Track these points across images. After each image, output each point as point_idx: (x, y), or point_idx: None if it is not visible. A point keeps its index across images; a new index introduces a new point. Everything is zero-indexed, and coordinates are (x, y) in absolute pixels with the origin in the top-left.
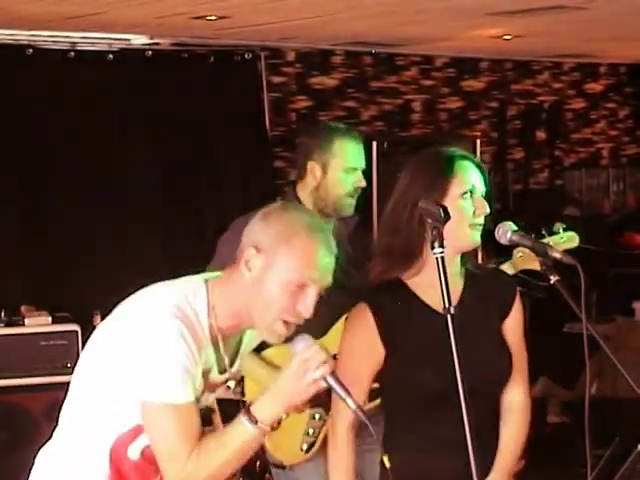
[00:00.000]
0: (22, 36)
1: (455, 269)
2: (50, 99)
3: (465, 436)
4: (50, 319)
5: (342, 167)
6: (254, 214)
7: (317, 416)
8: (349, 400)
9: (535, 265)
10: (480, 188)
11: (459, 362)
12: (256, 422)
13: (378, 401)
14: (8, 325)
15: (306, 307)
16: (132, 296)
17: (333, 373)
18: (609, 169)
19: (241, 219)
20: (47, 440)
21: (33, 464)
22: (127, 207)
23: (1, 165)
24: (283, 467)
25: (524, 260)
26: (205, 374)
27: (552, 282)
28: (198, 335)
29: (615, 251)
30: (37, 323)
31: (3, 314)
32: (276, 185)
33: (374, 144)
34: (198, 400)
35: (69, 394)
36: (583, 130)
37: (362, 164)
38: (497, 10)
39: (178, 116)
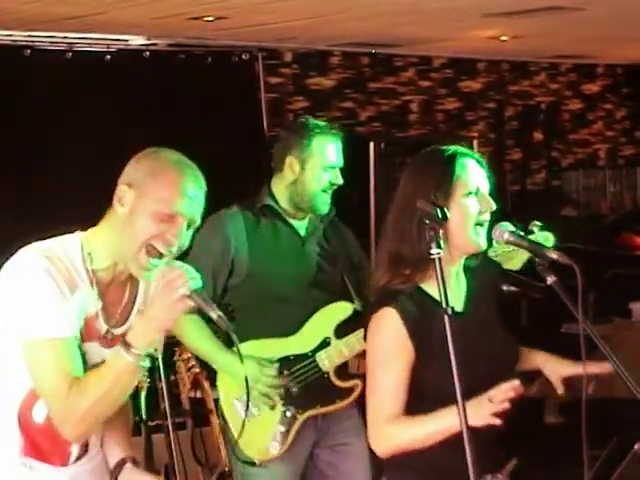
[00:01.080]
0: (20, 37)
1: (461, 268)
2: (48, 100)
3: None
4: None
5: (320, 165)
6: (228, 210)
7: (288, 413)
8: (212, 313)
9: (513, 264)
10: (484, 185)
11: (465, 360)
12: (130, 348)
13: (352, 398)
14: None
15: (175, 235)
16: None
17: (197, 291)
18: (606, 170)
19: (214, 215)
20: None
21: None
22: None
23: (0, 166)
24: (253, 464)
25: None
26: (88, 321)
27: (549, 283)
28: (70, 276)
29: (612, 252)
30: None
31: None
32: None
33: (371, 145)
34: (80, 344)
35: None
36: (580, 131)
37: (340, 162)
38: (494, 11)
39: (175, 117)
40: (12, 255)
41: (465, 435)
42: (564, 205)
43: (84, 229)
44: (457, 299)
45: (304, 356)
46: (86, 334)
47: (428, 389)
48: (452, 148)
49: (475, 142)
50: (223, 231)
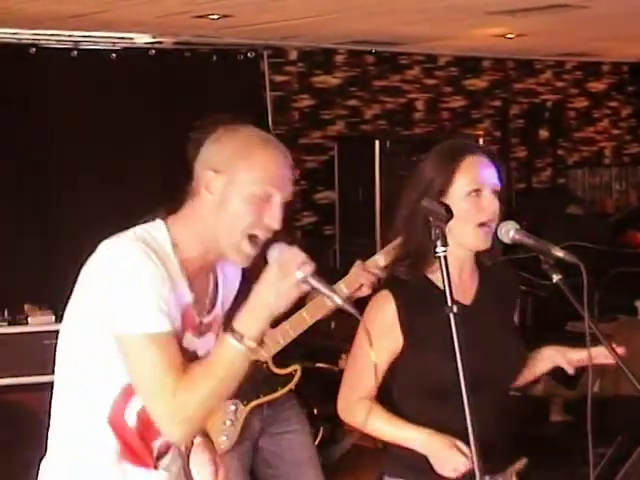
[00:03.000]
0: (25, 35)
1: (470, 265)
2: (53, 98)
3: (474, 427)
4: (53, 318)
5: None
6: None
7: (233, 407)
8: (335, 297)
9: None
10: (490, 183)
11: (473, 356)
12: (242, 338)
13: (292, 383)
14: (11, 324)
15: (274, 217)
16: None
17: (315, 273)
18: (612, 168)
19: None
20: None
21: (35, 464)
22: (130, 206)
23: (3, 163)
24: None
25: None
26: (185, 312)
27: (555, 281)
28: (168, 263)
29: (618, 250)
30: (40, 322)
31: (6, 313)
32: None
33: (377, 143)
34: (179, 338)
35: (55, 390)
36: (586, 129)
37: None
38: (499, 9)
39: (180, 115)
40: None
41: (470, 435)
42: (569, 203)
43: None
44: (465, 292)
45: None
46: (184, 325)
47: (429, 382)
48: (458, 145)
49: (480, 140)
50: None
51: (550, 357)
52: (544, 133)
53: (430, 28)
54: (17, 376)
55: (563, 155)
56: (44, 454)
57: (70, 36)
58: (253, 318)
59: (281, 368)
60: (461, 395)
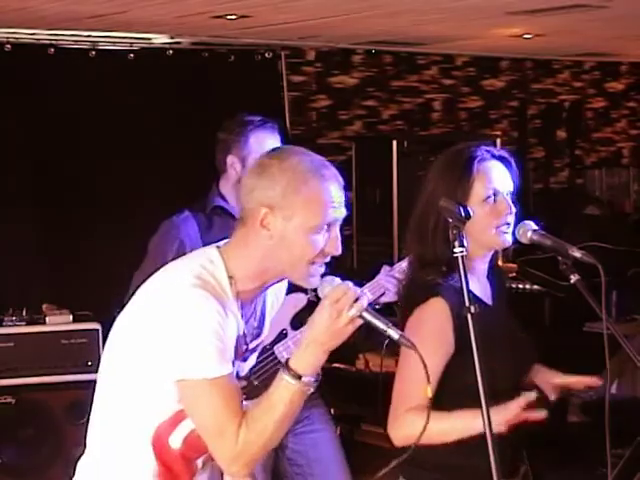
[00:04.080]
0: (43, 35)
1: (487, 265)
2: (71, 98)
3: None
4: (71, 317)
5: None
6: (180, 215)
7: None
8: (391, 331)
9: None
10: (505, 187)
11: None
12: (299, 377)
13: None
14: (30, 323)
15: (335, 247)
16: (147, 280)
17: (367, 308)
18: (630, 168)
19: (166, 222)
20: (71, 442)
21: (54, 461)
22: (147, 206)
23: (21, 163)
24: None
25: None
26: (237, 342)
27: (573, 281)
28: (224, 301)
29: (636, 250)
30: (58, 321)
31: (25, 313)
32: None
33: (394, 143)
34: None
35: (96, 396)
36: (604, 129)
37: None
38: (517, 9)
39: (198, 115)
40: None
41: (488, 435)
42: (587, 204)
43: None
44: (486, 293)
45: (263, 349)
46: (235, 355)
47: (469, 384)
48: (474, 149)
49: (498, 140)
50: (178, 236)
51: (534, 376)
52: (562, 133)
53: (448, 28)
54: (35, 375)
55: (581, 155)
56: (71, 451)
57: (88, 36)
58: (308, 356)
59: None
60: (498, 397)
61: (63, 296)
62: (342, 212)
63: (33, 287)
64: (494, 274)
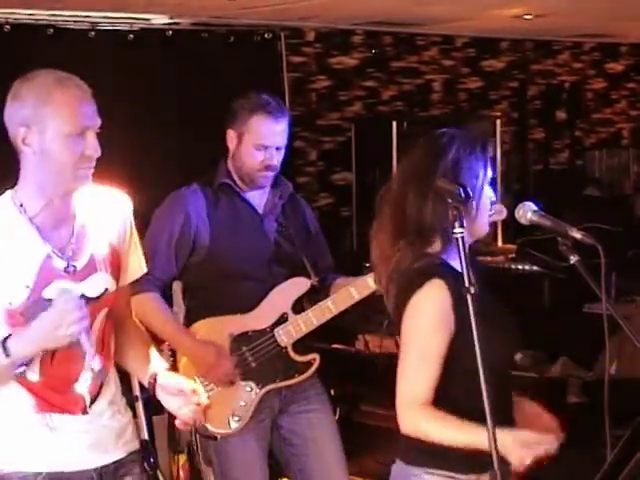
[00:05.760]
0: (42, 16)
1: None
2: None
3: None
4: None
5: (252, 142)
6: (189, 187)
7: (249, 389)
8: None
9: None
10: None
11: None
12: (8, 355)
13: (310, 371)
14: None
15: (93, 148)
16: None
17: (87, 331)
18: (630, 149)
19: (175, 192)
20: None
21: None
22: (146, 187)
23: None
24: (215, 438)
25: None
26: (42, 263)
27: (572, 262)
28: (15, 225)
29: (635, 231)
30: None
31: None
32: (296, 165)
33: (394, 124)
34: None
35: None
36: (604, 110)
37: (275, 143)
38: None
39: (197, 96)
40: None
41: (487, 411)
42: (587, 185)
43: None
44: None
45: (263, 332)
46: (44, 276)
47: (468, 366)
48: (482, 134)
49: (498, 121)
50: (184, 208)
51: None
52: (562, 114)
53: (448, 9)
54: None
55: (581, 136)
56: None
57: (87, 17)
58: (24, 342)
59: (300, 355)
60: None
61: None
62: (93, 118)
63: None
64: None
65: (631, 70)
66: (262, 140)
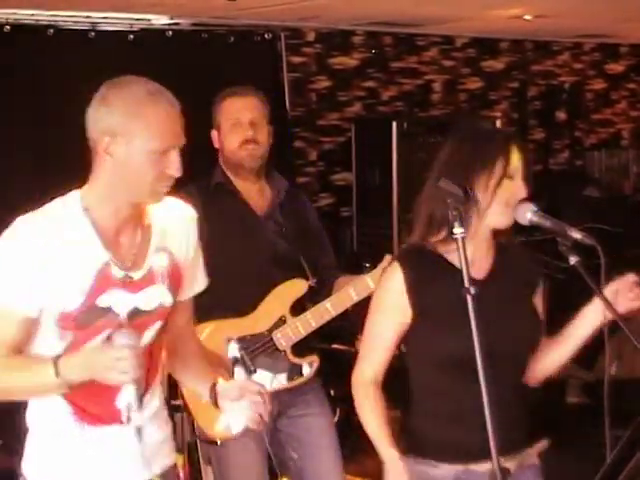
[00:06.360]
0: (42, 16)
1: (488, 242)
2: (70, 79)
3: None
4: None
5: (227, 125)
6: (185, 190)
7: None
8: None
9: None
10: (521, 172)
11: (485, 330)
12: (58, 372)
13: (309, 374)
14: None
15: (175, 168)
16: None
17: (136, 383)
18: (629, 150)
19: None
20: None
21: None
22: None
23: (19, 147)
24: (215, 443)
25: None
26: (99, 271)
27: (572, 263)
28: (76, 228)
29: (635, 232)
30: None
31: None
32: (296, 165)
33: (394, 124)
34: (92, 297)
35: None
36: (604, 111)
37: (246, 116)
38: None
39: (197, 96)
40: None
41: (486, 406)
42: (587, 185)
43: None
44: (479, 268)
45: (261, 335)
46: (100, 284)
47: (438, 353)
48: (504, 131)
49: (498, 122)
50: None
51: (594, 311)
52: (562, 115)
53: (448, 9)
54: None
55: (581, 137)
56: None
57: (88, 17)
58: (77, 368)
59: (300, 357)
60: (476, 368)
61: None
62: (180, 137)
63: None
64: (506, 252)
65: (631, 71)
66: (232, 115)
